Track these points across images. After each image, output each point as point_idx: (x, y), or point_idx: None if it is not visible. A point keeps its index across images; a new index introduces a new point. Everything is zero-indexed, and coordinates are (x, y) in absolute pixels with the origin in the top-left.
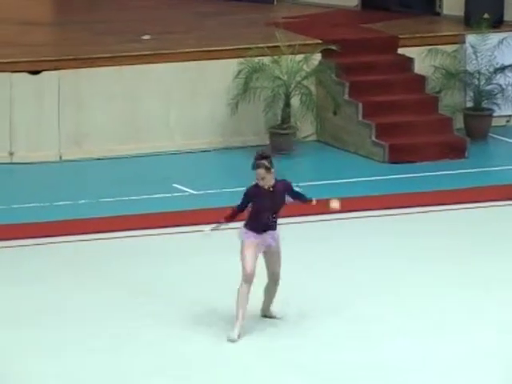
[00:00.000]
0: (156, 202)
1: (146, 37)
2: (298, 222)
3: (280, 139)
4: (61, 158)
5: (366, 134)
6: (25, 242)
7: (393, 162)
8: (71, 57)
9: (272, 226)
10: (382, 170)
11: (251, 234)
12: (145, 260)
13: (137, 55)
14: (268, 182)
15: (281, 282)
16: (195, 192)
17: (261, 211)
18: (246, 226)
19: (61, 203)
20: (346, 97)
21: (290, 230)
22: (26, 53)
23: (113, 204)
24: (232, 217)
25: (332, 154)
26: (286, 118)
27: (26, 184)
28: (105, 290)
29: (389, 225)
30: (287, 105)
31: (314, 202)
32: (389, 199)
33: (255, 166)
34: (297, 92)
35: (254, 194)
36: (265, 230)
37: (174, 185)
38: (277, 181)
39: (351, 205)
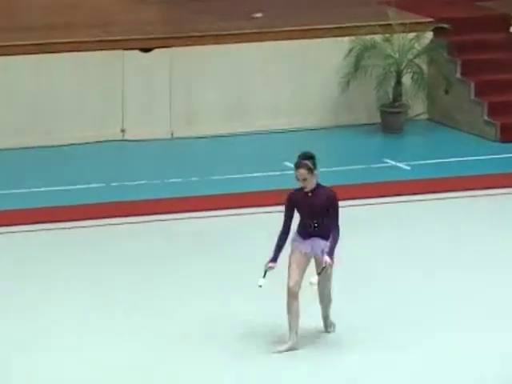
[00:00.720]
0: (267, 180)
1: (258, 15)
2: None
3: (391, 118)
4: (172, 135)
5: (478, 112)
6: (134, 220)
7: (504, 140)
8: (182, 35)
9: (319, 233)
10: (493, 148)
11: (298, 239)
12: (254, 237)
13: (246, 33)
14: (309, 184)
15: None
16: None
17: (302, 217)
18: (297, 229)
19: (172, 180)
20: (458, 75)
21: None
22: (137, 30)
23: (223, 182)
24: (281, 242)
25: (443, 132)
26: (397, 96)
27: (138, 161)
28: (209, 265)
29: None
30: (398, 83)
31: (327, 261)
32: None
33: (296, 166)
34: (408, 70)
35: (294, 198)
36: (311, 237)
37: (286, 163)
38: (320, 186)
39: (455, 184)
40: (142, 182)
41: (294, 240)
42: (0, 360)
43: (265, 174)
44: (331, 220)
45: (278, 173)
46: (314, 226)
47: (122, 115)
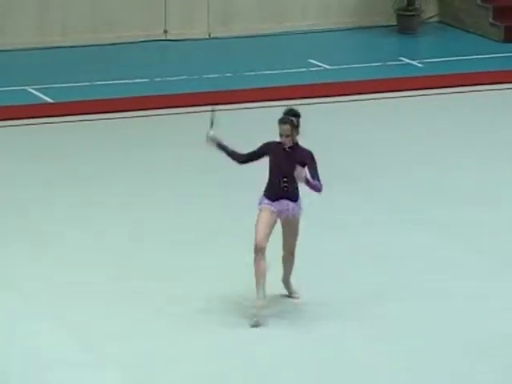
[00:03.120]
0: (294, 76)
1: None
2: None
3: (406, 20)
4: (209, 35)
5: (484, 15)
6: (175, 111)
7: (508, 41)
8: None
9: (287, 193)
10: (498, 48)
11: (267, 200)
12: None
13: None
14: (289, 142)
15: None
16: (329, 67)
17: (273, 171)
18: (264, 193)
19: (209, 76)
20: None
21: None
22: None
23: (255, 77)
24: (234, 155)
25: (453, 33)
26: (411, 0)
27: (179, 59)
28: None
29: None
30: None
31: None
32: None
33: (282, 121)
34: None
35: (271, 149)
36: (281, 197)
37: (310, 60)
38: (299, 145)
39: (464, 80)
40: (183, 77)
41: (260, 203)
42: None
43: (292, 70)
44: (313, 174)
45: (303, 69)
46: (284, 186)
47: (164, 17)
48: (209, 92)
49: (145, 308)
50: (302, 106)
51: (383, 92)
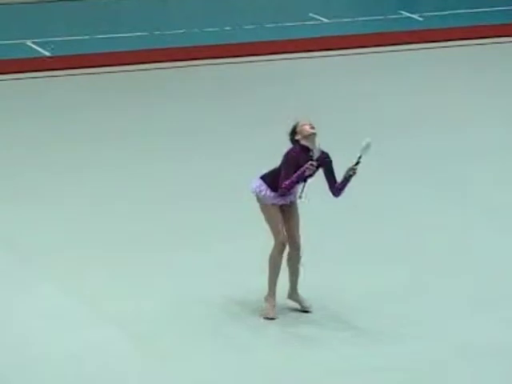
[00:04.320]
0: (294, 29)
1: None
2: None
3: None
4: None
5: None
6: (173, 65)
7: None
8: None
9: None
10: (499, 1)
11: (272, 194)
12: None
13: None
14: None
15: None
16: (329, 21)
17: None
18: (268, 183)
19: (209, 29)
20: None
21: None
22: None
23: (254, 31)
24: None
25: None
26: None
27: (178, 12)
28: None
29: None
30: None
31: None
32: None
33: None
34: None
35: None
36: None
37: (310, 14)
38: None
39: (467, 33)
40: (182, 30)
41: (265, 196)
42: None
43: (292, 24)
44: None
45: (303, 23)
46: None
47: None
48: (208, 45)
49: (146, 268)
50: (301, 60)
51: (383, 46)
